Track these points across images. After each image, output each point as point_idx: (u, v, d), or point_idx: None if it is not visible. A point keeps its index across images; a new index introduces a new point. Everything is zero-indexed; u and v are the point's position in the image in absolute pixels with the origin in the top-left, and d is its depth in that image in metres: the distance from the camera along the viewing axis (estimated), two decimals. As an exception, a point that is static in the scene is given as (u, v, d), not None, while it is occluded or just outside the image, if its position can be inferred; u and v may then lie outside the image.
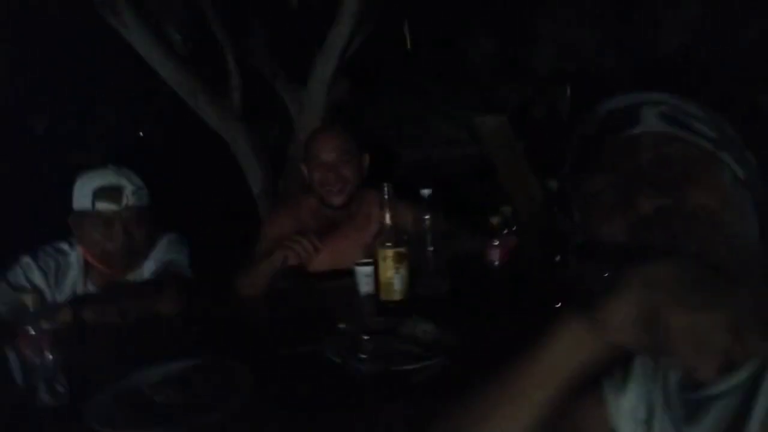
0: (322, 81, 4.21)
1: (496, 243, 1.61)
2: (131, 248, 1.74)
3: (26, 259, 1.74)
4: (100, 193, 1.69)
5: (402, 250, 1.54)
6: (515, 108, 5.39)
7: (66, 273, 1.76)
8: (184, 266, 1.84)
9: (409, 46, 4.97)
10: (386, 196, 1.56)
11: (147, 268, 1.81)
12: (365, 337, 1.18)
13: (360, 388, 1.12)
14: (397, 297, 1.55)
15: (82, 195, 1.70)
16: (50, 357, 1.15)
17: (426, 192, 1.63)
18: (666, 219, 0.65)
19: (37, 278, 1.72)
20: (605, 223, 0.71)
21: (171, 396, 1.11)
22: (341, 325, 1.43)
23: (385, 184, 1.55)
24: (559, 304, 1.43)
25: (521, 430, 0.70)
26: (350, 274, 1.68)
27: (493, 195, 2.21)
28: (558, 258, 1.49)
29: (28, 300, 1.16)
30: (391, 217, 1.56)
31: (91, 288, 1.77)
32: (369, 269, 1.62)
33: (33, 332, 1.13)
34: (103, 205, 1.68)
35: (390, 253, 1.53)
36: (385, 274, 1.54)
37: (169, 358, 1.28)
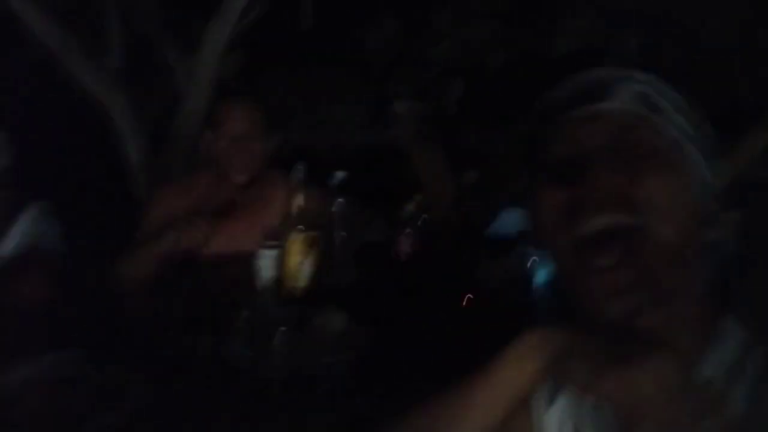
0: (214, 50, 3.96)
1: (408, 232, 1.58)
2: None
3: None
4: None
5: (313, 234, 1.45)
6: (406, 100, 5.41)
7: None
8: (54, 243, 1.61)
9: (309, 25, 4.81)
10: (299, 177, 1.46)
11: (8, 244, 1.56)
12: (282, 329, 1.08)
13: (270, 389, 1.03)
14: (303, 284, 1.45)
15: None
16: None
17: (339, 175, 1.55)
18: (613, 202, 0.61)
19: None
20: (547, 196, 0.66)
21: (38, 402, 0.94)
22: (242, 315, 1.32)
23: (299, 166, 1.46)
24: (469, 298, 1.43)
25: None
26: (246, 258, 1.56)
27: (387, 184, 2.18)
28: (468, 250, 1.49)
29: None
30: (303, 200, 1.47)
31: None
32: (274, 252, 1.51)
33: None
34: None
35: (301, 236, 1.44)
36: (292, 260, 1.45)
37: (35, 354, 1.09)
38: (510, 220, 1.50)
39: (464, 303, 1.41)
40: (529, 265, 1.35)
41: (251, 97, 1.95)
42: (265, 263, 1.52)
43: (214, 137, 1.82)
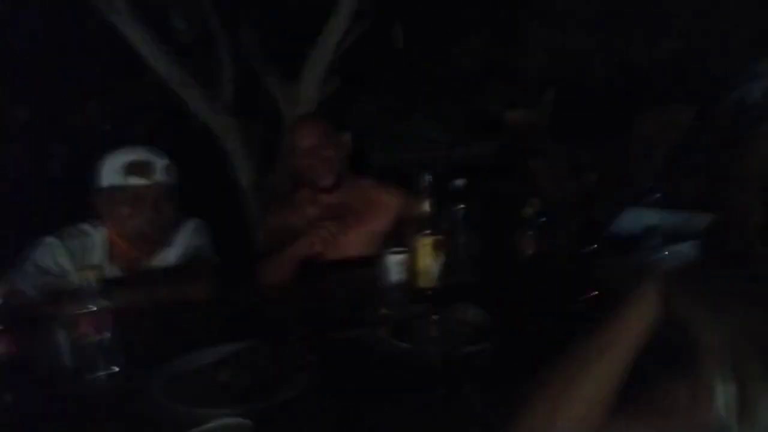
0: (314, 77, 4.20)
1: (530, 233, 1.65)
2: (159, 226, 1.73)
3: (51, 239, 1.69)
4: (131, 168, 1.68)
5: (441, 237, 1.56)
6: (499, 113, 5.46)
7: (90, 254, 1.72)
8: (209, 253, 1.82)
9: (400, 46, 4.99)
10: (425, 185, 1.57)
11: (173, 253, 1.79)
12: (434, 317, 1.19)
13: (427, 371, 1.13)
14: (434, 284, 1.56)
15: (113, 170, 1.69)
16: (109, 335, 1.12)
17: (459, 182, 1.66)
18: None
19: (64, 259, 1.67)
20: (745, 203, 0.70)
21: (236, 376, 1.10)
22: (384, 311, 1.44)
23: (426, 174, 1.57)
24: (593, 293, 1.48)
25: (596, 401, 0.73)
26: (363, 263, 1.70)
27: (503, 189, 2.25)
28: (593, 248, 1.54)
29: (90, 275, 1.13)
30: (430, 205, 1.58)
31: (115, 271, 1.73)
32: (401, 257, 1.63)
33: (95, 309, 1.11)
34: (134, 180, 1.68)
35: (429, 240, 1.54)
36: (423, 261, 1.55)
37: (214, 342, 1.26)
38: (632, 220, 1.53)
39: (587, 299, 1.45)
40: (655, 261, 1.38)
41: (313, 114, 2.19)
42: (392, 266, 1.64)
43: (293, 159, 2.07)
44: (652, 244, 1.37)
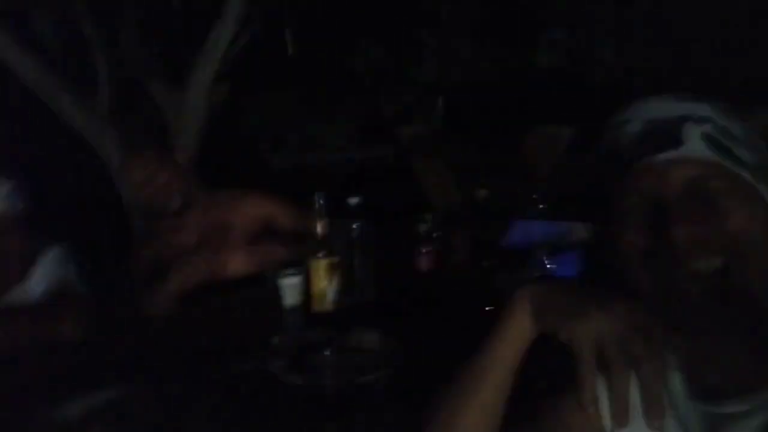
0: (202, 84, 4.02)
1: (425, 250, 1.64)
2: (8, 259, 1.53)
3: None
4: None
5: (335, 260, 1.51)
6: (393, 119, 5.53)
7: None
8: (76, 283, 1.64)
9: (291, 51, 4.90)
10: (317, 205, 1.52)
11: (32, 287, 1.60)
12: (327, 353, 1.14)
13: (320, 406, 1.08)
14: (330, 307, 1.51)
15: None
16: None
17: (353, 200, 1.62)
18: (700, 247, 0.63)
19: None
20: (630, 242, 0.68)
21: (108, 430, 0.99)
22: (275, 339, 1.37)
23: (317, 194, 1.52)
24: (490, 308, 1.50)
25: (483, 426, 0.72)
26: (253, 283, 1.61)
27: (400, 203, 2.25)
28: (485, 263, 1.55)
29: None
30: (323, 227, 1.53)
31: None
32: (296, 280, 1.56)
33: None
34: None
35: (323, 263, 1.49)
36: (318, 285, 1.50)
37: (84, 389, 1.14)
38: (521, 233, 1.57)
39: (483, 314, 1.47)
40: (545, 273, 1.42)
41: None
42: (287, 289, 1.57)
43: (132, 192, 1.91)
44: (539, 255, 1.40)
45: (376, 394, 1.10)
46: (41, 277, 1.61)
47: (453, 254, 1.65)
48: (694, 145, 0.65)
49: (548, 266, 1.37)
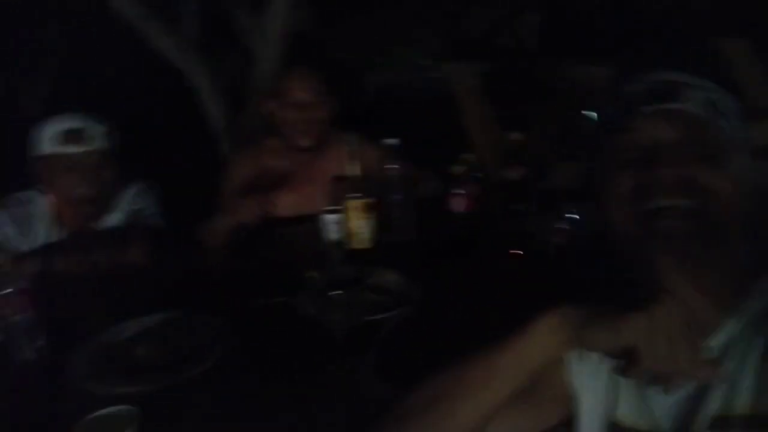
0: (282, 8, 4.06)
1: (460, 192, 1.67)
2: (100, 192, 1.75)
3: None
4: (67, 136, 1.68)
5: (370, 200, 1.58)
6: (482, 36, 5.32)
7: (36, 222, 1.77)
8: (153, 215, 1.85)
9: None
10: (352, 147, 1.58)
11: (115, 217, 1.82)
12: (336, 293, 1.23)
13: (333, 339, 1.19)
14: (366, 245, 1.60)
15: (49, 138, 1.70)
16: (27, 315, 1.17)
17: (392, 142, 1.66)
18: (681, 188, 0.74)
19: (10, 228, 1.73)
20: (617, 178, 0.79)
21: (150, 350, 1.16)
22: (310, 275, 1.48)
23: (351, 136, 1.57)
24: (519, 252, 1.52)
25: (476, 417, 0.77)
26: (315, 221, 1.71)
27: (459, 135, 2.24)
28: (519, 208, 1.56)
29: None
30: (358, 167, 1.59)
31: (62, 237, 1.77)
32: (336, 216, 1.66)
33: (10, 290, 1.15)
34: (71, 148, 1.68)
35: (359, 203, 1.57)
36: (354, 224, 1.59)
37: (142, 311, 1.31)
38: (559, 177, 1.55)
39: (512, 257, 1.50)
40: (572, 222, 1.41)
41: (312, 67, 2.06)
42: (329, 226, 1.67)
43: (278, 106, 1.96)
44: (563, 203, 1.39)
45: (387, 334, 1.19)
46: (122, 208, 1.83)
47: (488, 197, 1.66)
48: (695, 103, 0.77)
49: (568, 216, 1.36)
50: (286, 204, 1.99)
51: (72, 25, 4.67)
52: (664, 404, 0.75)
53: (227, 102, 4.27)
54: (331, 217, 1.66)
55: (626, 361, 0.67)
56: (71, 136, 1.69)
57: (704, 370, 0.66)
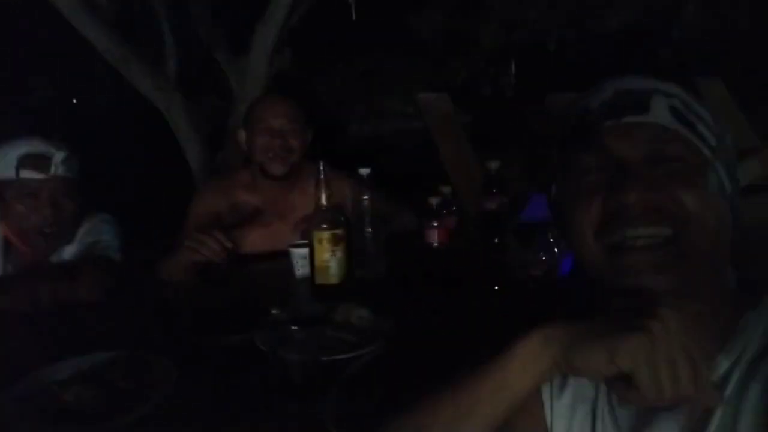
0: (264, 50, 4.08)
1: (435, 224, 1.58)
2: (58, 223, 1.63)
3: None
4: (25, 161, 1.57)
5: (338, 231, 1.48)
6: (461, 84, 5.38)
7: None
8: (112, 248, 1.72)
9: (353, 17, 4.84)
10: (321, 175, 1.49)
11: (69, 250, 1.70)
12: (294, 328, 1.12)
13: (289, 380, 1.07)
14: (333, 281, 1.49)
15: (5, 163, 1.58)
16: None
17: (364, 171, 1.58)
18: (650, 215, 0.65)
19: None
20: (581, 207, 0.69)
21: (82, 394, 1.03)
22: (273, 311, 1.37)
23: (321, 162, 1.49)
24: (497, 287, 1.43)
25: None
26: (286, 255, 1.61)
27: (438, 174, 2.18)
28: (496, 240, 1.47)
29: None
30: (327, 198, 1.50)
31: (11, 269, 1.64)
32: (304, 251, 1.56)
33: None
34: (29, 174, 1.57)
35: (326, 235, 1.47)
36: (320, 257, 1.48)
37: (85, 351, 1.19)
38: (538, 208, 1.47)
39: (493, 292, 1.40)
40: (557, 251, 1.33)
41: (285, 94, 2.00)
42: (296, 261, 1.57)
43: (251, 132, 1.88)
44: (546, 233, 1.31)
45: (350, 374, 1.07)
46: (79, 240, 1.71)
47: (464, 229, 1.58)
48: (661, 112, 0.67)
49: (552, 246, 1.28)
50: (255, 239, 1.89)
51: (56, 59, 4.65)
52: None
53: (205, 141, 4.22)
54: (299, 252, 1.57)
55: (623, 385, 0.58)
56: (32, 161, 1.58)
57: (708, 394, 0.58)
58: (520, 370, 0.65)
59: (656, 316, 0.57)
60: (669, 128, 0.67)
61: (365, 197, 1.56)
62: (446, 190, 1.61)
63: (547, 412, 0.74)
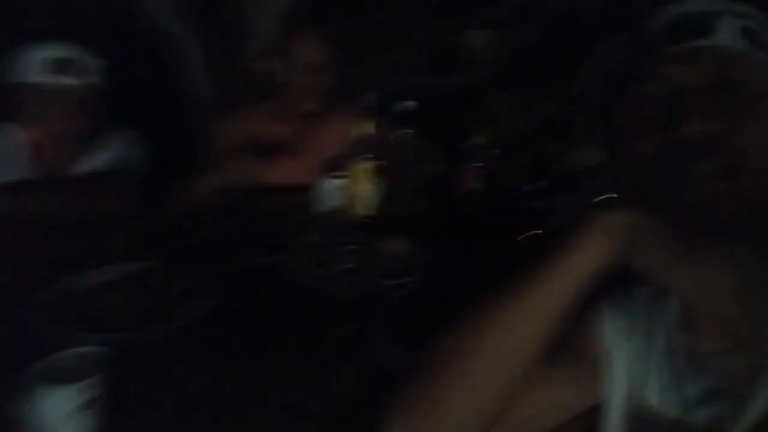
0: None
1: (477, 165, 1.54)
2: (85, 130, 1.59)
3: None
4: (59, 65, 1.52)
5: (382, 162, 1.45)
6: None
7: (6, 156, 1.57)
8: (138, 164, 1.69)
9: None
10: (368, 107, 1.45)
11: (96, 161, 1.65)
12: (352, 247, 1.10)
13: (335, 303, 1.05)
14: (372, 212, 1.46)
15: (31, 66, 1.52)
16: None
17: (409, 104, 1.53)
18: (711, 148, 0.59)
19: None
20: (641, 139, 0.64)
21: (125, 298, 1.00)
22: (310, 239, 1.34)
23: (368, 96, 1.44)
24: (535, 233, 1.40)
25: (536, 338, 0.65)
26: (314, 188, 1.57)
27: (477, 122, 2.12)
28: (540, 185, 1.44)
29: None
30: (367, 130, 1.46)
31: (36, 175, 1.59)
32: (341, 182, 1.52)
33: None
34: (59, 78, 1.52)
35: (368, 166, 1.44)
36: (360, 187, 1.45)
37: (116, 260, 1.16)
38: (582, 156, 1.43)
39: (527, 238, 1.37)
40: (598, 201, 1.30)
41: (321, 27, 1.92)
42: (331, 191, 1.53)
43: (281, 66, 1.81)
44: (598, 183, 1.27)
45: (396, 301, 1.06)
46: (105, 153, 1.67)
47: (504, 173, 1.54)
48: (729, 35, 0.62)
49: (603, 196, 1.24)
50: (282, 171, 1.85)
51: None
52: (702, 391, 0.63)
53: (220, 63, 4.11)
54: (333, 182, 1.53)
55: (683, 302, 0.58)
56: (61, 65, 1.53)
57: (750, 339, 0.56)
58: (589, 251, 0.64)
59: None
60: (739, 51, 0.61)
61: (407, 132, 1.52)
62: (488, 131, 1.57)
63: (604, 333, 0.72)
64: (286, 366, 0.91)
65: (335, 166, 1.61)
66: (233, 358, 0.93)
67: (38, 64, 1.53)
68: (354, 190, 1.47)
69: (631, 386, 0.69)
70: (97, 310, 0.98)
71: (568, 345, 0.71)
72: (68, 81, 1.53)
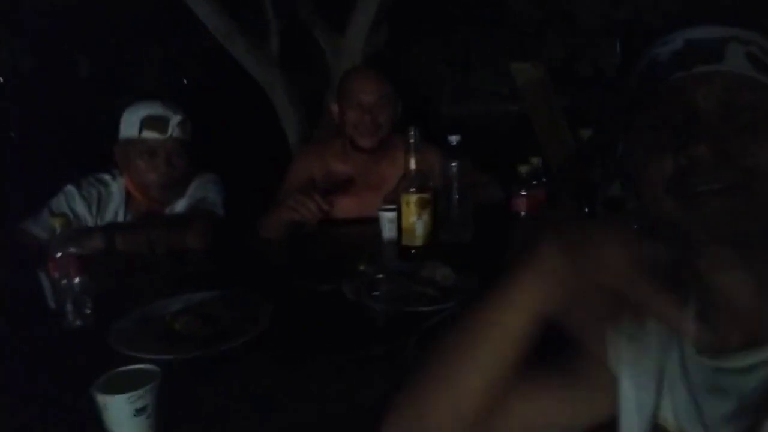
0: (360, 29, 4.15)
1: (524, 193, 1.58)
2: (172, 179, 1.81)
3: (69, 188, 1.82)
4: (147, 122, 1.75)
5: (425, 195, 1.53)
6: (559, 63, 5.21)
7: (107, 203, 1.84)
8: (216, 205, 1.88)
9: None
10: (411, 140, 1.54)
11: (181, 204, 1.86)
12: (380, 276, 1.18)
13: (372, 325, 1.14)
14: (418, 243, 1.54)
15: (130, 124, 1.77)
16: (77, 280, 1.19)
17: (454, 138, 1.60)
18: (722, 168, 0.61)
19: (79, 206, 1.80)
20: (652, 163, 0.65)
21: (191, 324, 1.14)
22: (362, 267, 1.43)
23: (412, 128, 1.53)
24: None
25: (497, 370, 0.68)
26: (375, 221, 1.67)
27: (527, 149, 2.16)
28: (586, 210, 1.46)
29: (56, 223, 1.20)
30: (417, 162, 1.54)
31: (130, 219, 1.83)
32: (392, 215, 1.61)
33: (60, 255, 1.17)
34: (149, 134, 1.76)
35: (413, 198, 1.52)
36: (407, 220, 1.53)
37: (193, 290, 1.32)
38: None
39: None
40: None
41: (376, 68, 2.05)
42: (384, 224, 1.63)
43: (342, 106, 1.96)
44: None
45: (432, 322, 1.12)
46: (189, 196, 1.87)
47: (554, 200, 1.57)
48: (737, 60, 0.64)
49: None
50: (345, 207, 1.97)
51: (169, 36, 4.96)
52: (720, 412, 0.63)
53: (303, 116, 4.38)
54: (387, 215, 1.62)
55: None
56: (153, 122, 1.75)
57: None
58: (533, 281, 0.65)
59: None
60: (746, 76, 0.63)
61: (453, 164, 1.59)
62: (536, 160, 1.61)
63: (616, 359, 0.73)
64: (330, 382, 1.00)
65: (388, 199, 1.71)
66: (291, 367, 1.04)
67: (132, 122, 1.77)
68: (403, 222, 1.55)
69: (641, 407, 0.70)
70: (167, 334, 1.13)
71: (579, 365, 0.74)
72: (156, 135, 1.75)
